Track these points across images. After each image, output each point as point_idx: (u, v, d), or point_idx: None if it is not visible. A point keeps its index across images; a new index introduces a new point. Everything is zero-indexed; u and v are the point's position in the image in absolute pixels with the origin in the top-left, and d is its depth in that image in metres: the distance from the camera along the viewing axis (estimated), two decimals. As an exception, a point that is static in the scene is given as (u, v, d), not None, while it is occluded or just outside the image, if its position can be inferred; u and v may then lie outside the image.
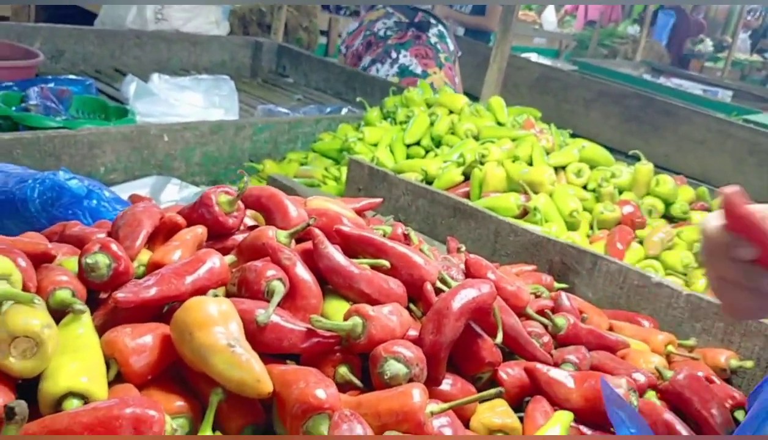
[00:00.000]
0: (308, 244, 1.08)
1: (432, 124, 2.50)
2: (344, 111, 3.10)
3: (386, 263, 1.09)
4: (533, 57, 6.74)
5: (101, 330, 0.85)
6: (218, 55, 3.85)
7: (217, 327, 0.81)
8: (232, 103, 2.92)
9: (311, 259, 1.05)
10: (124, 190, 1.85)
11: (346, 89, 3.72)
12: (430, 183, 2.19)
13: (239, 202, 1.15)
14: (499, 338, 1.07)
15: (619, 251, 1.87)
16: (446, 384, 1.01)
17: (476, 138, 2.41)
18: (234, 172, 2.50)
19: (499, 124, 2.55)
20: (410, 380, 0.89)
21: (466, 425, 0.99)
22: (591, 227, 2.05)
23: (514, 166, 2.08)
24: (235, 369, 0.79)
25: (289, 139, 2.69)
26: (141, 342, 0.83)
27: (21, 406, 0.60)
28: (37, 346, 0.73)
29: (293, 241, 1.11)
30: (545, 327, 1.25)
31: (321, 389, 0.79)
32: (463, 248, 1.60)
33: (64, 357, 0.77)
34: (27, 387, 0.76)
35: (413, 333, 1.02)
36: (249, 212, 1.23)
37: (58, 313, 0.84)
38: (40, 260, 0.91)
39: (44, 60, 2.88)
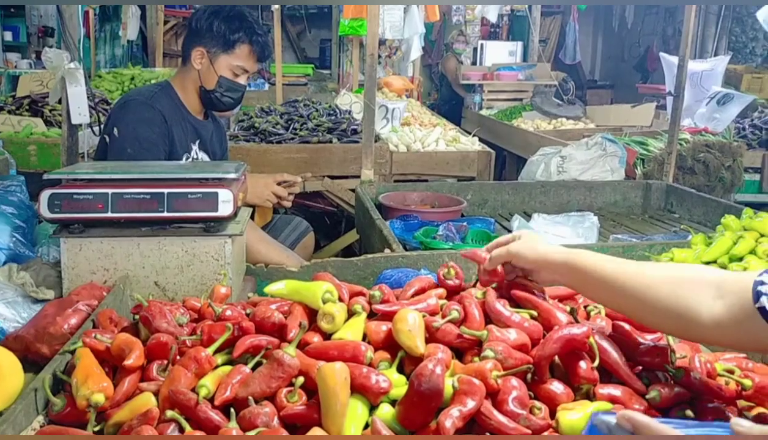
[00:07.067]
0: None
1: None
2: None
3: (534, 312, 1.79)
4: None
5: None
6: (611, 196, 4.62)
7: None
8: (592, 233, 3.67)
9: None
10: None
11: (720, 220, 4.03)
12: None
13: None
14: (596, 362, 1.64)
15: None
16: (554, 386, 1.64)
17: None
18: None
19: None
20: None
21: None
22: None
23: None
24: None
25: (627, 260, 3.29)
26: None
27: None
28: (334, 320, 1.73)
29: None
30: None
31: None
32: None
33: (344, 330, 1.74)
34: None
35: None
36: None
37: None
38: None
39: (467, 206, 4.15)
